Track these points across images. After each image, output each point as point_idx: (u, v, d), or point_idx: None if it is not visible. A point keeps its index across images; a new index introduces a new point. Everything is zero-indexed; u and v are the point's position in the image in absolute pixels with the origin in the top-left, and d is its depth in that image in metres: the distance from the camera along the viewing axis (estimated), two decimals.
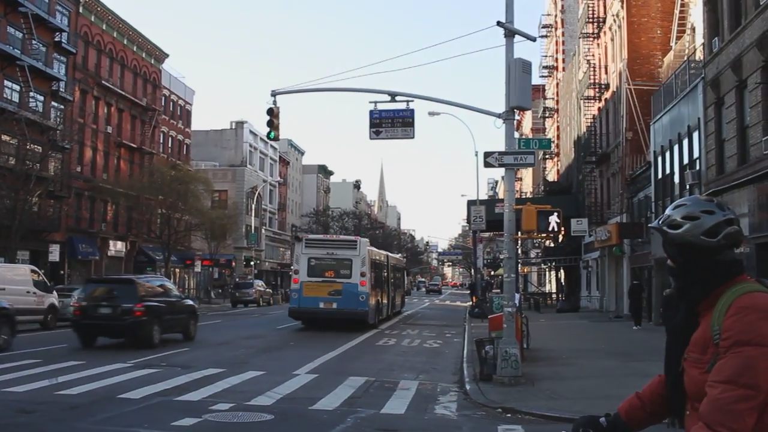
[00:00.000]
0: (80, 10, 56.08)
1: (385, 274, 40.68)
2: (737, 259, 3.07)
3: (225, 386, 15.29)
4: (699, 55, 31.43)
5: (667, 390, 3.16)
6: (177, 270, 69.60)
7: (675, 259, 3.10)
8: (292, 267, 35.80)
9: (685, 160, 31.64)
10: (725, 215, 3.02)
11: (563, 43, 73.41)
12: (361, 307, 32.46)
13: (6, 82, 47.60)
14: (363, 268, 32.90)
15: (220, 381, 15.89)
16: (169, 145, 73.23)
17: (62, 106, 53.21)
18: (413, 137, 21.64)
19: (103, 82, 59.11)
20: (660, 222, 3.12)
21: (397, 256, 57.51)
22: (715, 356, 2.82)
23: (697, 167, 29.57)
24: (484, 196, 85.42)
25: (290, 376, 17.08)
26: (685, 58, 33.83)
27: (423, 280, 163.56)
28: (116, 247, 61.43)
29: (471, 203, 48.89)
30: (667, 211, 3.13)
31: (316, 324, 32.47)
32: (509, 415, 13.14)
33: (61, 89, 52.67)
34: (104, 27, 60.08)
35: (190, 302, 29.58)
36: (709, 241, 2.99)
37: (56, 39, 52.36)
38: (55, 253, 47.52)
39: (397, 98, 20.95)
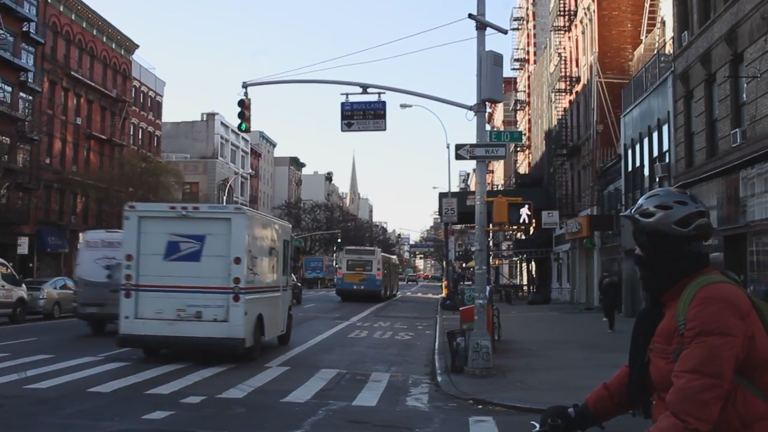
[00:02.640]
0: (48, 0, 55.41)
1: (389, 268, 63.88)
2: (705, 252, 3.10)
3: (196, 379, 15.23)
4: (669, 48, 31.67)
5: (631, 380, 3.20)
6: None
7: (645, 248, 3.13)
8: (336, 265, 62.07)
9: (655, 153, 31.90)
10: (697, 207, 3.06)
11: (534, 36, 73.63)
12: (377, 287, 54.90)
13: None
14: (378, 265, 55.55)
15: (192, 374, 15.82)
16: (140, 137, 72.56)
17: (30, 97, 52.55)
18: (385, 129, 21.64)
19: (73, 72, 58.40)
20: (632, 211, 3.16)
21: (394, 257, 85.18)
22: (681, 346, 2.86)
23: (667, 160, 29.82)
24: (455, 189, 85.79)
25: (261, 369, 17.05)
26: (655, 52, 34.08)
27: None
28: None
29: (443, 195, 48.98)
30: (640, 201, 3.17)
31: (351, 298, 52.48)
32: (480, 406, 13.21)
33: (29, 80, 52.01)
34: (73, 17, 59.37)
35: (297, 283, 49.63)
36: (680, 230, 3.02)
37: (24, 29, 51.64)
38: (24, 246, 47.03)
39: (369, 90, 20.92)
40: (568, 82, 50.72)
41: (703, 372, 2.74)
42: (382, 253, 61.65)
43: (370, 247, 70.89)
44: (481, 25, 17.63)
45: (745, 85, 22.10)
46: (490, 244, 64.53)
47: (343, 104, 21.39)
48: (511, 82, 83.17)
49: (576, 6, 49.57)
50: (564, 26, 52.33)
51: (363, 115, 21.37)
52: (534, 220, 44.28)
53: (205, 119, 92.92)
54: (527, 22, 76.79)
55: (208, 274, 17.86)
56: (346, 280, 54.90)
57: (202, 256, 18.00)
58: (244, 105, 22.24)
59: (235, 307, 17.63)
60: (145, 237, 18.30)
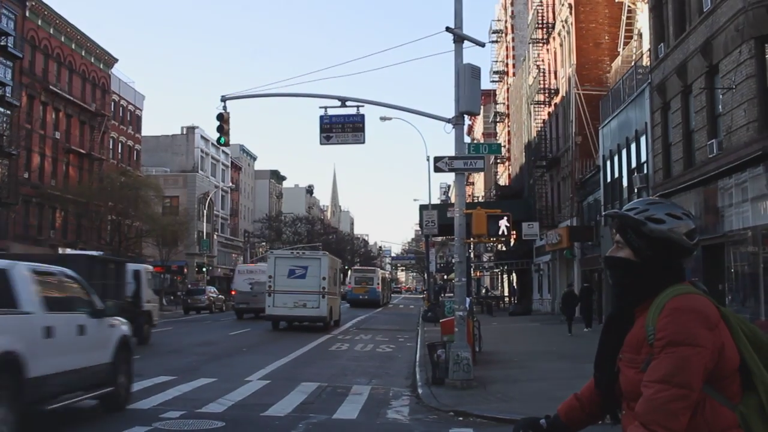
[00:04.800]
0: (27, 14, 55.07)
1: (385, 282, 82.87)
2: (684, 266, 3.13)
3: (176, 394, 15.14)
4: (646, 60, 31.92)
5: (600, 389, 3.21)
6: None
7: (640, 253, 3.06)
8: (347, 281, 75.32)
9: (633, 164, 32.11)
10: (696, 224, 3.09)
11: (513, 48, 74.00)
12: (378, 297, 70.79)
13: None
14: (378, 280, 72.57)
15: (171, 389, 15.73)
16: (119, 151, 72.24)
17: (9, 112, 52.18)
18: (364, 142, 21.65)
19: (51, 87, 58.10)
20: (635, 213, 3.09)
21: (387, 272, 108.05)
22: (650, 356, 2.87)
23: (645, 171, 30.02)
24: (436, 201, 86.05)
25: (242, 383, 16.98)
26: (632, 64, 34.35)
27: None
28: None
29: (423, 208, 49.07)
30: (639, 205, 3.12)
31: (358, 305, 65.99)
32: (461, 418, 13.21)
33: (7, 94, 51.63)
34: (51, 31, 59.09)
35: None
36: (688, 242, 3.05)
37: (2, 43, 51.25)
38: None
39: (348, 103, 20.92)
40: (546, 94, 51.00)
41: (672, 382, 2.75)
42: (381, 270, 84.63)
43: (372, 267, 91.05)
44: (459, 39, 17.71)
45: (721, 96, 22.30)
46: (471, 255, 64.70)
47: (321, 117, 21.38)
48: (491, 95, 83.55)
49: (554, 19, 49.91)
50: (542, 39, 52.66)
51: (342, 128, 21.37)
52: (514, 232, 44.33)
53: (185, 133, 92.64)
54: (506, 34, 77.16)
55: (309, 285, 34.59)
56: (354, 291, 71.28)
57: (307, 276, 34.99)
58: (222, 119, 22.17)
59: (322, 300, 34.82)
60: (277, 267, 35.43)
